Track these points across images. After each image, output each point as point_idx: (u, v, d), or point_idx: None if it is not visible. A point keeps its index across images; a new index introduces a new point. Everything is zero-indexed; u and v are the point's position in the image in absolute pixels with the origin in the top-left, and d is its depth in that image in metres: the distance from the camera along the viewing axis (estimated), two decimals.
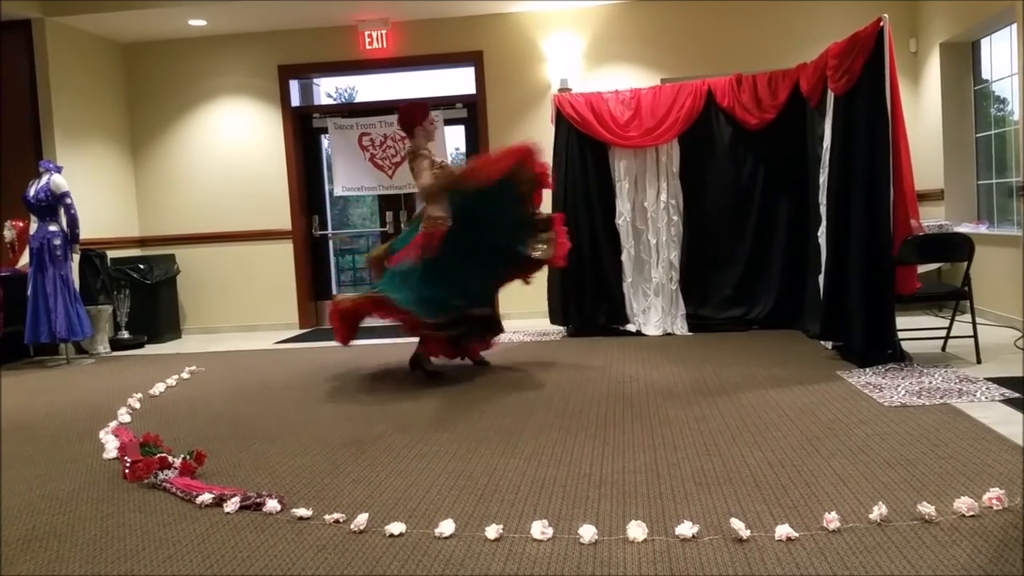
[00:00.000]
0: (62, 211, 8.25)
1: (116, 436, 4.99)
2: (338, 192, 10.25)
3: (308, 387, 6.46)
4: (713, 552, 2.91)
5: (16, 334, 8.31)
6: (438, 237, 6.15)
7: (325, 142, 10.55)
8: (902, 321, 6.18)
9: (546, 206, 8.44)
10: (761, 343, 7.32)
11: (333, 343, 8.85)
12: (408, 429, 4.93)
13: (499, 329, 6.99)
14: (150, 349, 9.35)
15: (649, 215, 8.26)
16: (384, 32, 9.85)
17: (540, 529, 3.14)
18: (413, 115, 6.57)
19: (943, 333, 6.48)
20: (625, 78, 9.30)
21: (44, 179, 8.24)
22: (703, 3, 9.46)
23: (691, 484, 3.65)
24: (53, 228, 8.22)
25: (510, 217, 6.47)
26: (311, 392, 6.25)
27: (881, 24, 5.85)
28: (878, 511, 3.09)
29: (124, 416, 5.65)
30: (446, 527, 3.22)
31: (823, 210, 6.88)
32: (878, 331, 5.99)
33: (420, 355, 6.67)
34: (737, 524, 3.04)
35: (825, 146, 6.82)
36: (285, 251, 10.30)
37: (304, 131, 10.51)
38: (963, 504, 3.12)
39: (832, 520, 3.05)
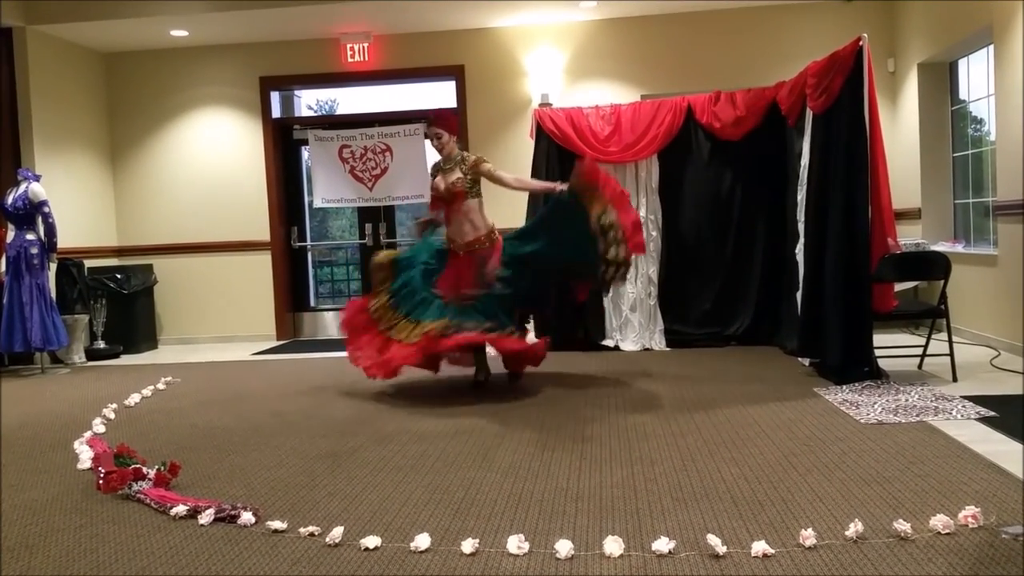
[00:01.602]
0: (40, 220, 8.20)
1: (90, 447, 4.94)
2: (317, 204, 10.21)
3: (284, 399, 6.42)
4: (689, 568, 2.91)
5: None
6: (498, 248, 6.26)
7: (305, 154, 10.53)
8: (879, 339, 6.21)
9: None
10: (739, 359, 7.33)
11: (310, 355, 8.85)
12: (384, 442, 4.92)
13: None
14: (126, 359, 9.28)
15: None
16: (366, 45, 9.85)
17: (516, 544, 3.13)
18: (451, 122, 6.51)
19: (919, 351, 6.52)
20: (606, 94, 9.33)
21: (22, 187, 8.18)
22: (684, 21, 9.52)
23: (668, 499, 3.65)
24: (30, 236, 8.17)
25: (568, 233, 6.05)
26: (287, 404, 6.21)
27: (860, 44, 5.89)
28: (854, 528, 3.10)
29: (99, 427, 5.60)
30: (422, 541, 3.20)
31: (801, 227, 6.92)
32: (855, 348, 6.01)
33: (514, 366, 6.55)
34: (714, 540, 3.04)
35: (803, 164, 6.87)
36: (263, 262, 10.26)
37: (284, 143, 10.48)
38: (939, 522, 3.13)
39: (808, 537, 3.06)
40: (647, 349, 8.13)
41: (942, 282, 6.17)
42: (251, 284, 10.25)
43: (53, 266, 8.54)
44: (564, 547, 3.07)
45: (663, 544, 3.05)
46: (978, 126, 8.26)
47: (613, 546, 3.06)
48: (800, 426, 4.85)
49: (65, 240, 8.64)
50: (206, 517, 3.58)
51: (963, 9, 7.53)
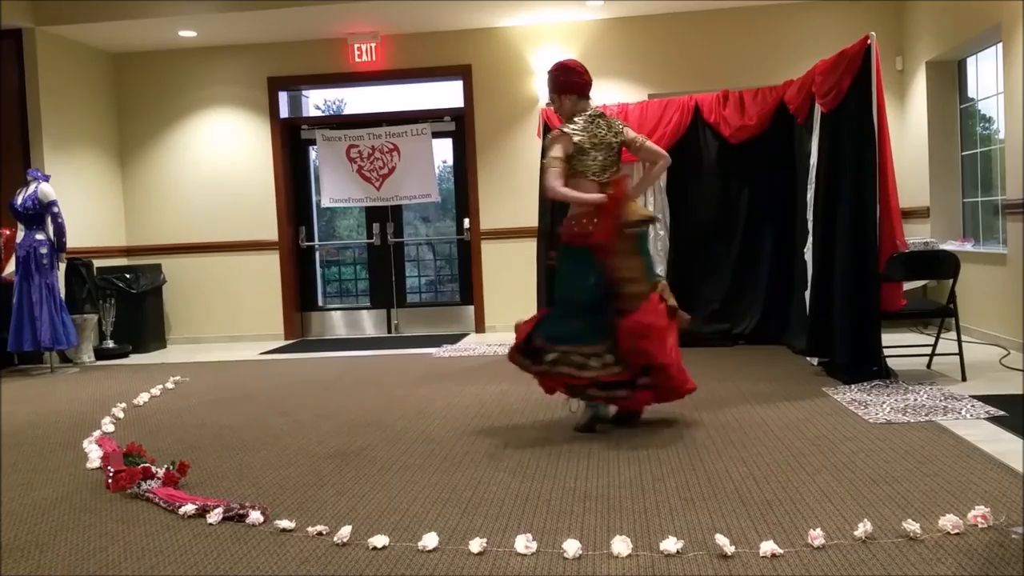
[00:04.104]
0: (49, 220, 8.22)
1: (99, 446, 4.95)
2: (325, 203, 10.23)
3: (292, 398, 6.43)
4: (697, 568, 2.91)
5: (0, 342, 8.27)
6: None
7: (313, 154, 10.54)
8: (887, 338, 6.18)
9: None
10: (747, 358, 7.32)
11: (318, 354, 8.86)
12: (392, 441, 4.92)
13: None
14: (135, 359, 9.30)
15: None
16: (373, 45, 9.86)
17: (524, 543, 3.13)
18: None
19: (928, 350, 6.50)
20: (613, 93, 9.30)
21: (32, 187, 8.21)
22: (691, 20, 9.51)
23: (676, 499, 3.64)
24: (40, 236, 8.18)
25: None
26: (295, 403, 6.22)
27: (869, 42, 5.88)
28: (863, 528, 3.09)
29: (108, 426, 5.61)
30: (430, 540, 3.21)
31: (810, 226, 6.91)
32: (864, 348, 5.99)
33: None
34: (722, 540, 3.03)
35: (812, 163, 6.85)
36: (271, 262, 10.28)
37: (292, 142, 10.50)
38: (948, 522, 3.11)
39: (817, 537, 3.05)
40: None
41: (951, 281, 6.15)
42: (259, 284, 10.27)
43: (62, 266, 8.57)
44: (572, 547, 3.06)
45: (671, 544, 3.04)
46: (987, 124, 8.23)
47: (621, 546, 3.06)
48: (808, 426, 4.84)
49: (74, 240, 8.66)
50: (214, 516, 3.58)
51: (971, 7, 7.51)
